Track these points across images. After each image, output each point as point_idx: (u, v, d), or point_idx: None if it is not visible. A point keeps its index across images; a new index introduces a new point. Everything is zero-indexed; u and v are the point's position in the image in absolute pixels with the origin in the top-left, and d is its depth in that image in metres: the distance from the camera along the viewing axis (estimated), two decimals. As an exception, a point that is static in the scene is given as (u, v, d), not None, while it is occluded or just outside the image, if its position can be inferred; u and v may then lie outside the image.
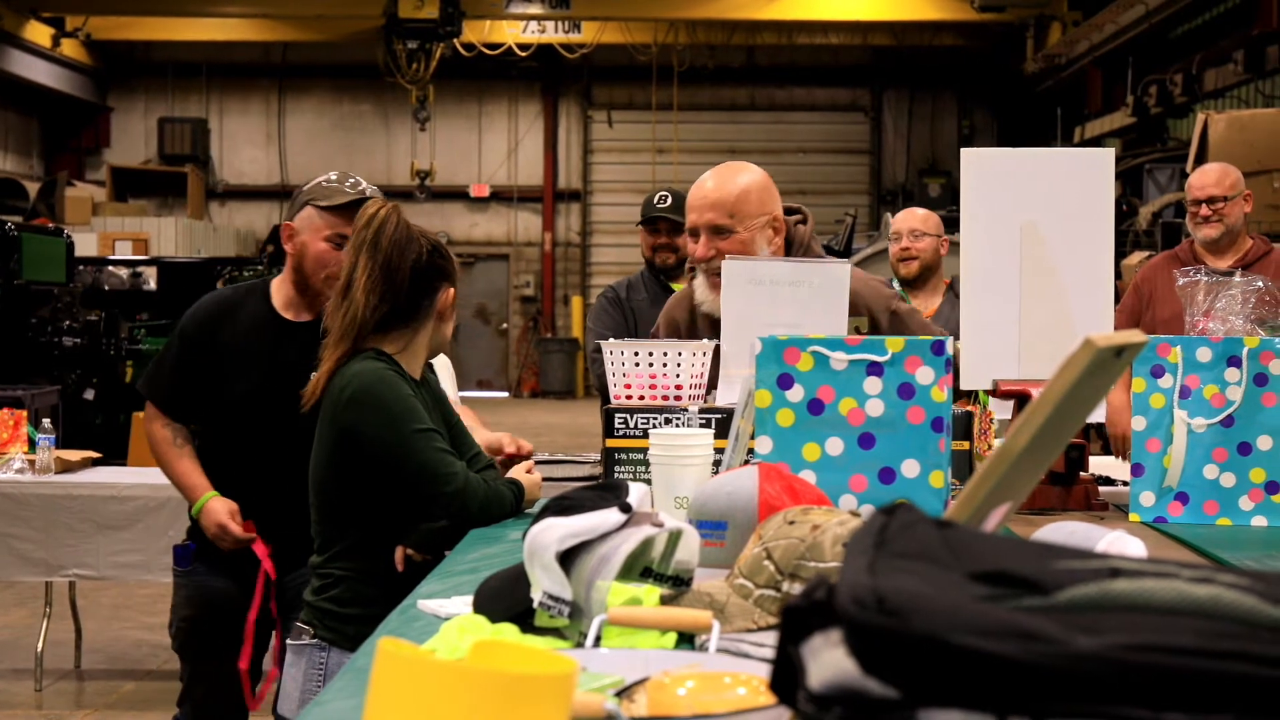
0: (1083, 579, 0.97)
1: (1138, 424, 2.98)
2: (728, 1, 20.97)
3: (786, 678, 1.00)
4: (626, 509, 1.86)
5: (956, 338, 2.94)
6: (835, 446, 2.50)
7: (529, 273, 25.81)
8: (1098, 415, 3.34)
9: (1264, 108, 12.51)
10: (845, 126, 25.50)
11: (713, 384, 3.33)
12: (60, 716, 6.13)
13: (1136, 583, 0.96)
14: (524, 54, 22.77)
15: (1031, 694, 0.88)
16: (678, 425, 3.08)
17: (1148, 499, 2.97)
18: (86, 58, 23.33)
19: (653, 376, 3.24)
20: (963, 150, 3.26)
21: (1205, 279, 3.37)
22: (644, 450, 2.80)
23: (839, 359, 2.50)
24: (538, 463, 3.48)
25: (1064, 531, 2.08)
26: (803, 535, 1.79)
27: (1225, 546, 2.63)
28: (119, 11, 22.08)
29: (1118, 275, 6.35)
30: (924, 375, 2.48)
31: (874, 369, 2.49)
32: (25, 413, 6.60)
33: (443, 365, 3.96)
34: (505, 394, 25.28)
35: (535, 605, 1.81)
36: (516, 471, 3.24)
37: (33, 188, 19.21)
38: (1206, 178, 5.54)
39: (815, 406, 2.50)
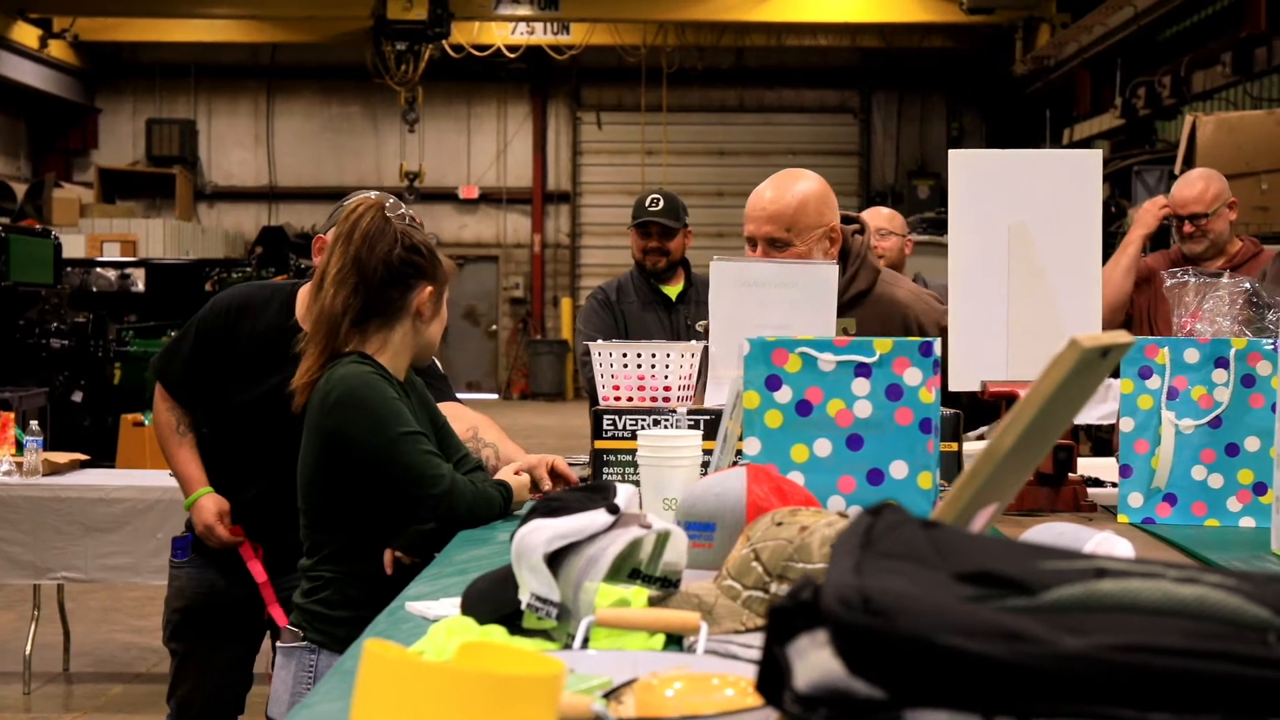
0: (1069, 579, 0.97)
1: (1125, 425, 2.98)
2: (717, 3, 20.98)
3: (773, 679, 1.00)
4: (614, 510, 1.86)
5: None
6: (823, 448, 2.50)
7: (518, 274, 25.80)
8: (1086, 416, 3.34)
9: (1252, 110, 12.54)
10: (834, 128, 25.52)
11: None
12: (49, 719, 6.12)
13: (1122, 583, 0.96)
14: (513, 55, 22.76)
15: (1018, 694, 0.88)
16: (666, 427, 3.08)
17: (1136, 500, 2.97)
18: (74, 59, 23.29)
19: (641, 378, 3.24)
20: (951, 152, 3.26)
21: (1193, 280, 3.38)
22: (632, 452, 2.80)
23: (827, 360, 2.50)
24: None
25: (1052, 532, 2.08)
26: (791, 536, 1.79)
27: (1213, 547, 2.63)
28: (107, 13, 22.04)
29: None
30: (912, 376, 2.48)
31: (862, 370, 2.49)
32: (13, 415, 6.59)
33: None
34: (495, 396, 25.27)
35: (523, 607, 1.81)
36: (505, 473, 3.24)
37: (20, 189, 19.19)
38: (1188, 192, 5.52)
39: (803, 408, 2.50)
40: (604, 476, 3.11)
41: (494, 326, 25.79)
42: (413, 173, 24.42)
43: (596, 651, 1.66)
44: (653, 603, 1.81)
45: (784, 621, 0.99)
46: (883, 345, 2.49)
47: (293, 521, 3.32)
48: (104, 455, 7.58)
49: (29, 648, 6.46)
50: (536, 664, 1.14)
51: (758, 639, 1.61)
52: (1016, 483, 1.62)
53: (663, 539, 1.93)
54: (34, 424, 6.52)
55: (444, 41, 20.51)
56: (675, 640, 1.74)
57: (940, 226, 12.16)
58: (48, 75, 22.58)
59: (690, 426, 3.06)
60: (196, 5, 21.61)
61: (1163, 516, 2.96)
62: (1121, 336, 1.48)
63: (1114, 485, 3.21)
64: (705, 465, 2.68)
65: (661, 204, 5.92)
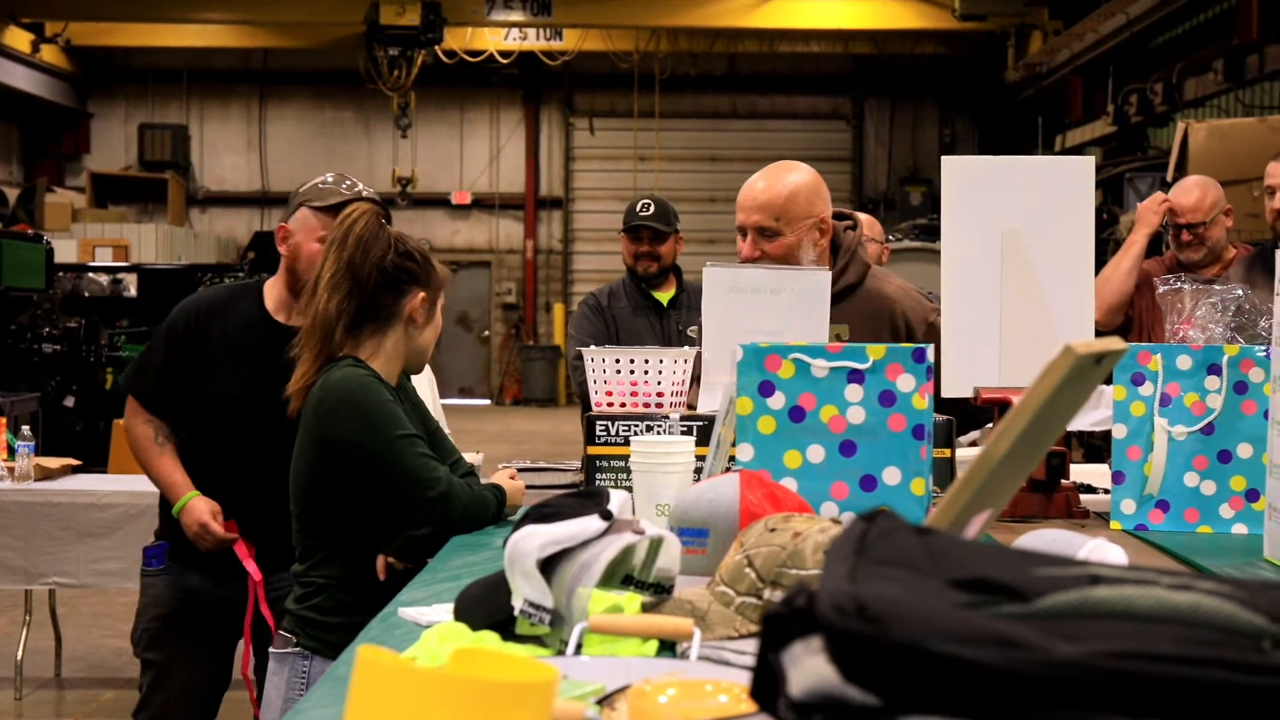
0: (1063, 586, 0.97)
1: (1118, 431, 2.98)
2: (709, 9, 20.98)
3: (767, 685, 1.00)
4: (608, 516, 1.86)
5: None
6: (816, 454, 2.50)
7: (511, 280, 25.78)
8: (1079, 423, 3.34)
9: (1244, 117, 12.56)
10: (827, 135, 25.52)
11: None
12: (39, 725, 6.11)
13: (1116, 590, 0.96)
14: (506, 61, 22.75)
15: (1011, 701, 0.88)
16: (659, 432, 3.08)
17: (1129, 506, 2.97)
18: (66, 64, 23.25)
19: (634, 384, 3.24)
20: (944, 158, 3.27)
21: (1186, 287, 3.38)
22: (625, 457, 2.80)
23: (820, 366, 2.50)
24: (520, 470, 3.47)
25: (1045, 539, 2.08)
26: (784, 543, 1.79)
27: (1206, 554, 2.64)
28: (99, 17, 22.00)
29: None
30: (905, 383, 2.48)
31: (855, 376, 2.49)
32: (4, 420, 6.58)
33: (424, 373, 3.95)
34: (487, 401, 25.26)
35: (516, 613, 1.81)
36: (499, 477, 3.24)
37: (12, 194, 19.15)
38: (1186, 200, 5.52)
39: (796, 414, 2.50)
40: (597, 482, 3.11)
41: (486, 332, 25.78)
42: (405, 178, 24.40)
43: (589, 658, 1.65)
44: (646, 609, 1.81)
45: (778, 628, 0.99)
46: (876, 351, 2.49)
47: (278, 520, 3.32)
48: (96, 460, 7.55)
49: (20, 653, 6.45)
50: (530, 670, 1.14)
51: (751, 645, 1.61)
52: (1010, 489, 1.62)
53: (656, 545, 1.93)
54: (25, 429, 6.50)
55: (437, 47, 20.49)
56: (668, 646, 1.74)
57: (933, 233, 12.16)
58: (40, 80, 22.55)
59: (683, 432, 3.06)
60: (189, 10, 21.57)
61: (1155, 523, 2.96)
62: (1115, 343, 1.48)
63: (1107, 492, 3.21)
64: (698, 471, 2.68)
65: (652, 209, 5.93)
